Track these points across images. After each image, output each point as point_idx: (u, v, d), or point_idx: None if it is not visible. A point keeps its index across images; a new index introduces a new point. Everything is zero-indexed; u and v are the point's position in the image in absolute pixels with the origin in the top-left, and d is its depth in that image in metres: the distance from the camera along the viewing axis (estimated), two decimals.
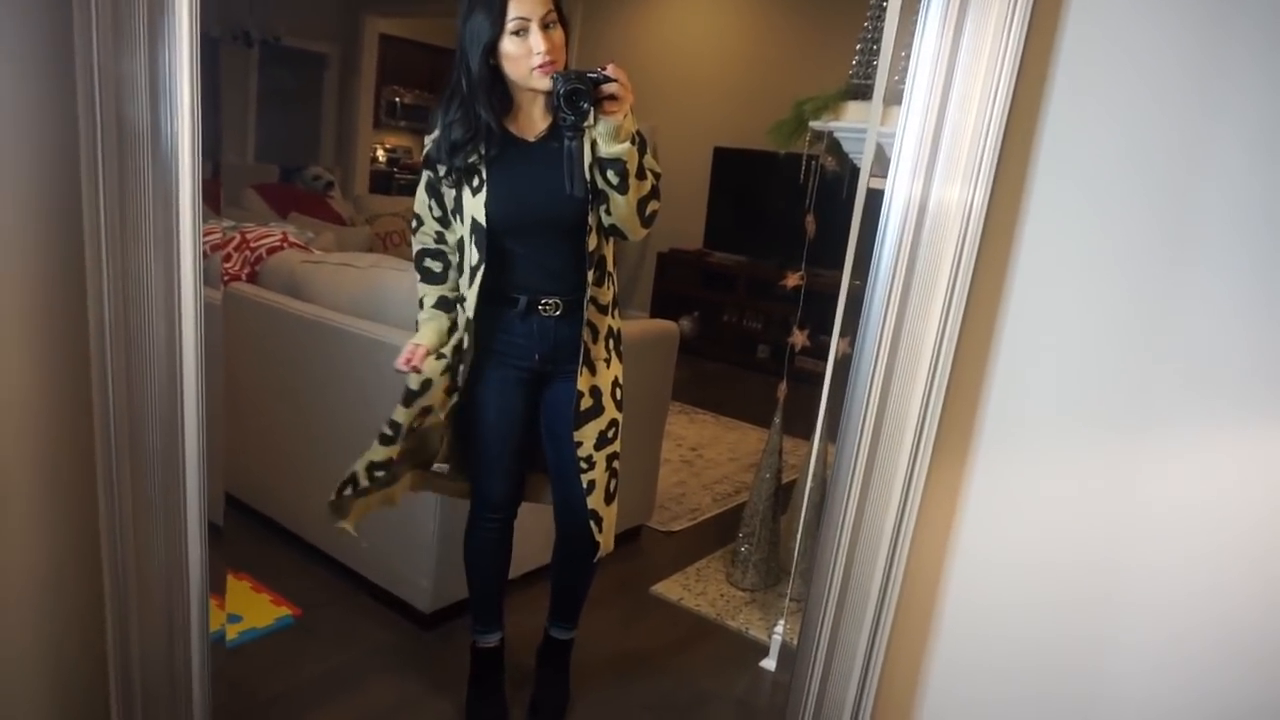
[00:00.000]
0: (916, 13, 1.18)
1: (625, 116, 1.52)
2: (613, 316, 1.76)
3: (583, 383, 1.70)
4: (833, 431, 1.38)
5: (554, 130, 1.61)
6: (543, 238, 1.66)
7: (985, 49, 1.15)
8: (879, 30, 2.02)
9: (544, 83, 1.53)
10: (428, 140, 1.66)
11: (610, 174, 1.57)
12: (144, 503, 1.17)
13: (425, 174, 1.70)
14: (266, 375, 2.57)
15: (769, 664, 2.21)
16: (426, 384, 1.70)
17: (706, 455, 3.84)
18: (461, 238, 1.68)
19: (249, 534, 2.58)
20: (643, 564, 2.78)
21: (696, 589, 2.64)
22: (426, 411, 1.73)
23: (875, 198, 1.29)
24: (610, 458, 1.76)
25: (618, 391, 1.78)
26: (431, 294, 1.75)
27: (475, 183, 1.63)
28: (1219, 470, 1.19)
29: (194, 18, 1.04)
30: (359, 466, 1.72)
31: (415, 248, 1.77)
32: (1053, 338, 1.26)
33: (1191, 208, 1.15)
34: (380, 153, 7.64)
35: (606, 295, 1.73)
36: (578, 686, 2.04)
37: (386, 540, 2.19)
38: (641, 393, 2.49)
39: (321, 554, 2.45)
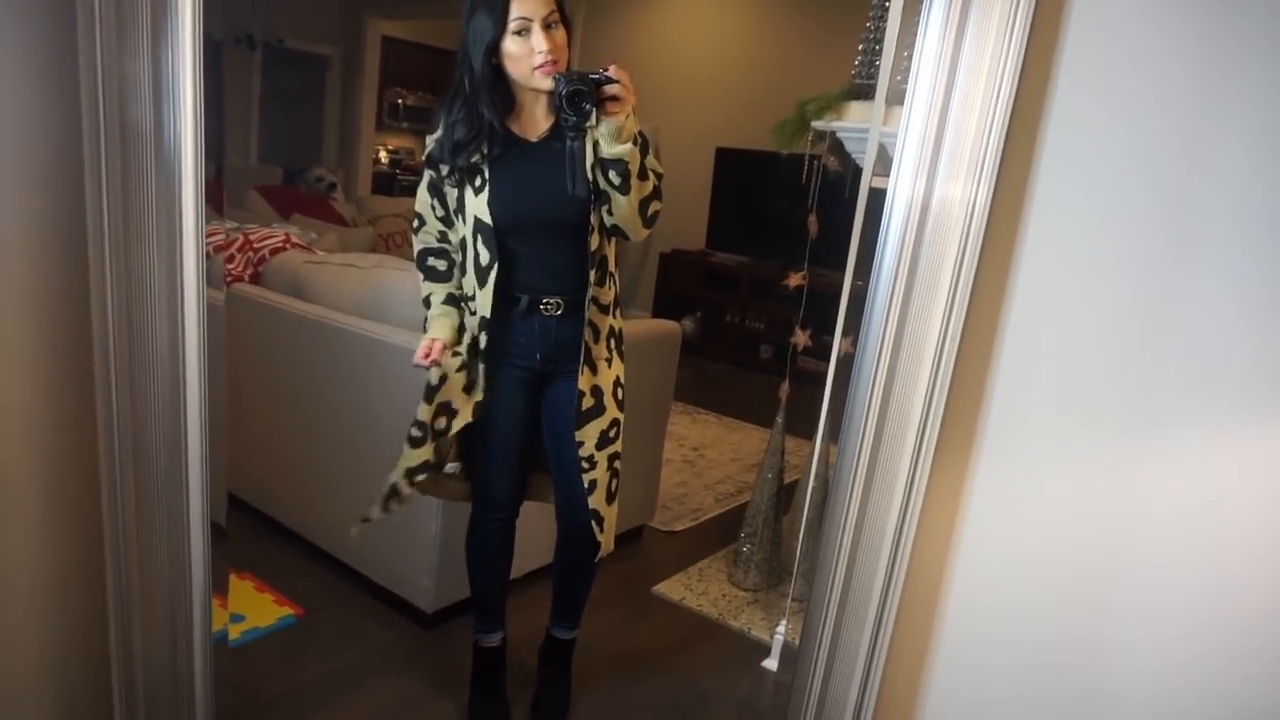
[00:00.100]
0: (919, 13, 1.18)
1: (627, 117, 1.52)
2: (614, 316, 1.76)
3: (584, 382, 1.70)
4: (835, 431, 1.37)
5: (556, 130, 1.61)
6: (545, 237, 1.67)
7: (988, 49, 1.15)
8: (881, 30, 2.02)
9: (546, 83, 1.54)
10: (430, 140, 1.67)
11: (612, 175, 1.57)
12: (147, 503, 1.17)
13: (428, 174, 1.70)
14: (269, 376, 2.58)
15: (771, 664, 2.21)
16: (443, 377, 1.70)
17: (709, 455, 3.84)
18: (464, 237, 1.68)
19: (252, 534, 2.58)
20: (645, 564, 2.78)
21: (698, 589, 2.64)
22: (452, 414, 1.72)
23: (877, 197, 1.29)
24: (612, 457, 1.76)
25: (619, 391, 1.78)
26: (439, 291, 1.75)
27: (478, 182, 1.63)
28: (1221, 470, 1.19)
29: (197, 19, 1.04)
30: (397, 477, 1.72)
31: (417, 247, 1.77)
32: (1055, 337, 1.26)
33: (1193, 208, 1.15)
34: (383, 154, 7.66)
35: (608, 295, 1.73)
36: (580, 686, 2.04)
37: (388, 540, 2.19)
38: (644, 393, 2.49)
39: (324, 554, 2.45)
